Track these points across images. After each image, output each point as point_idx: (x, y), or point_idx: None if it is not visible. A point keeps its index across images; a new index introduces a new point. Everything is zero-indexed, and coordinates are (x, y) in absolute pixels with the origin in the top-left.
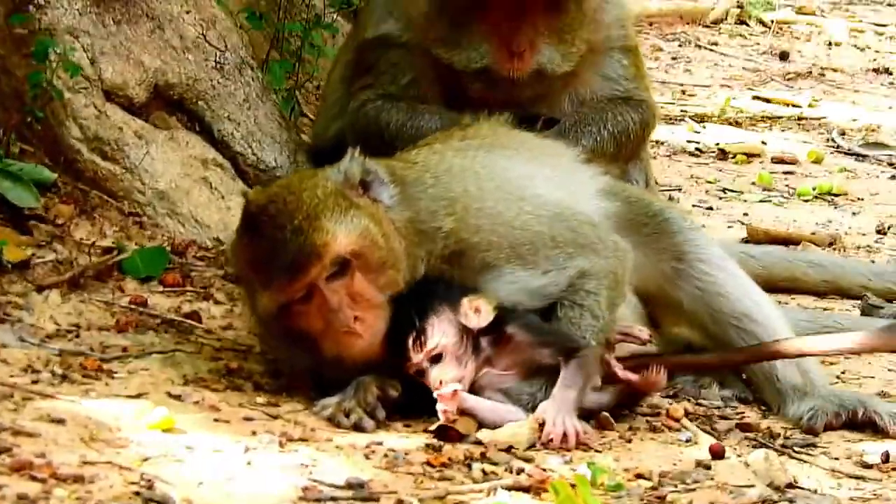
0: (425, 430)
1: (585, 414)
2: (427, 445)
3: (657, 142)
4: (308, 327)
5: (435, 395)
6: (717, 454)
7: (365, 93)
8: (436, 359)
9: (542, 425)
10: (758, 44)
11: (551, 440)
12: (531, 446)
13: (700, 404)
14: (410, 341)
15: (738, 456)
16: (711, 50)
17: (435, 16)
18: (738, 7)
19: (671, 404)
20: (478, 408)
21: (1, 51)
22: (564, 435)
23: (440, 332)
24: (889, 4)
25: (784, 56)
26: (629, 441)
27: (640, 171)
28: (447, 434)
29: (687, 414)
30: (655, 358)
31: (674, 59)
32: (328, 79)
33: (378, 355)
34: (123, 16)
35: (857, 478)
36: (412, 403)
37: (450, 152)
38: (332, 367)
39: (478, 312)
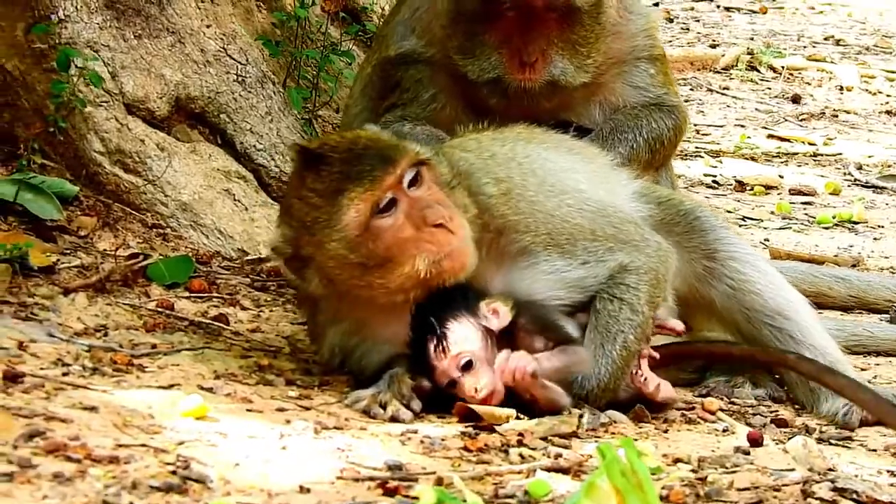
0: (459, 420)
1: (616, 406)
2: (463, 433)
3: (676, 175)
4: (397, 238)
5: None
6: (756, 442)
7: (389, 114)
8: (466, 367)
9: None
10: (769, 88)
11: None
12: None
13: (733, 403)
14: (432, 348)
15: (777, 444)
16: (723, 94)
17: (452, 27)
18: (749, 54)
19: (705, 399)
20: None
21: (21, 66)
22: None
23: (462, 337)
24: None
25: (796, 99)
26: (665, 431)
27: (666, 177)
28: (474, 420)
29: (722, 411)
30: (687, 345)
31: (686, 101)
32: (351, 93)
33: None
34: (144, 30)
35: None
36: (443, 401)
37: (487, 142)
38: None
39: (496, 314)
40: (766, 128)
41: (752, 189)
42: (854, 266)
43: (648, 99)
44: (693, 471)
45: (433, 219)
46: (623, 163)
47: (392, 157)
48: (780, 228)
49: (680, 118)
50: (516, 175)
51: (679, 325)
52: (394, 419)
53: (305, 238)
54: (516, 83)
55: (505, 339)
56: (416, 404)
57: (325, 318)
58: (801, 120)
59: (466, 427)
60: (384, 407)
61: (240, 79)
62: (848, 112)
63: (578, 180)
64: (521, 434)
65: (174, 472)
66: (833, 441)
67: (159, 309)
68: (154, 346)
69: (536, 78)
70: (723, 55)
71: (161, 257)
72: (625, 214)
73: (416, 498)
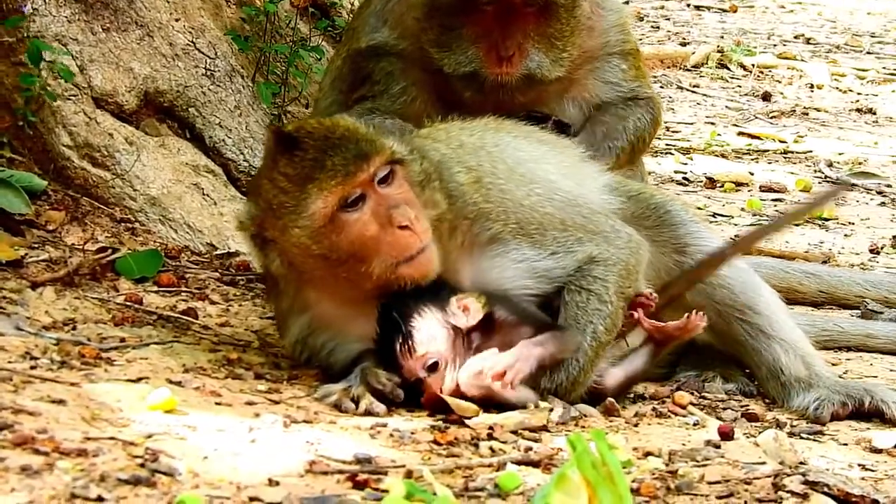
0: (428, 413)
1: (606, 393)
2: (432, 427)
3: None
4: (361, 234)
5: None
6: (726, 435)
7: (359, 106)
8: (432, 368)
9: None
10: (739, 86)
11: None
12: (542, 428)
13: (704, 397)
14: (398, 347)
15: (748, 437)
16: (693, 91)
17: (427, 20)
18: (719, 52)
19: (676, 393)
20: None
21: None
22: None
23: (429, 337)
24: (868, 52)
25: (767, 97)
26: (636, 425)
27: (637, 172)
28: (443, 412)
29: (692, 405)
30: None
31: None
32: (320, 87)
33: (430, 277)
34: (112, 23)
35: (868, 460)
36: (412, 396)
37: (456, 132)
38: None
39: (466, 311)
40: (736, 125)
41: (722, 186)
42: (825, 262)
43: (622, 93)
44: (664, 464)
45: (399, 220)
46: (609, 165)
47: (367, 153)
48: (750, 225)
49: (656, 111)
50: (486, 163)
51: (652, 297)
52: (368, 413)
53: (271, 220)
54: (493, 77)
55: (487, 333)
56: (398, 392)
57: (287, 306)
58: (771, 117)
59: (436, 420)
60: (356, 401)
61: (209, 73)
62: (818, 110)
63: (548, 170)
64: (490, 428)
65: (143, 465)
66: (804, 435)
67: (128, 303)
68: (122, 340)
69: (513, 72)
70: (693, 53)
71: (129, 251)
72: (595, 205)
73: (385, 491)
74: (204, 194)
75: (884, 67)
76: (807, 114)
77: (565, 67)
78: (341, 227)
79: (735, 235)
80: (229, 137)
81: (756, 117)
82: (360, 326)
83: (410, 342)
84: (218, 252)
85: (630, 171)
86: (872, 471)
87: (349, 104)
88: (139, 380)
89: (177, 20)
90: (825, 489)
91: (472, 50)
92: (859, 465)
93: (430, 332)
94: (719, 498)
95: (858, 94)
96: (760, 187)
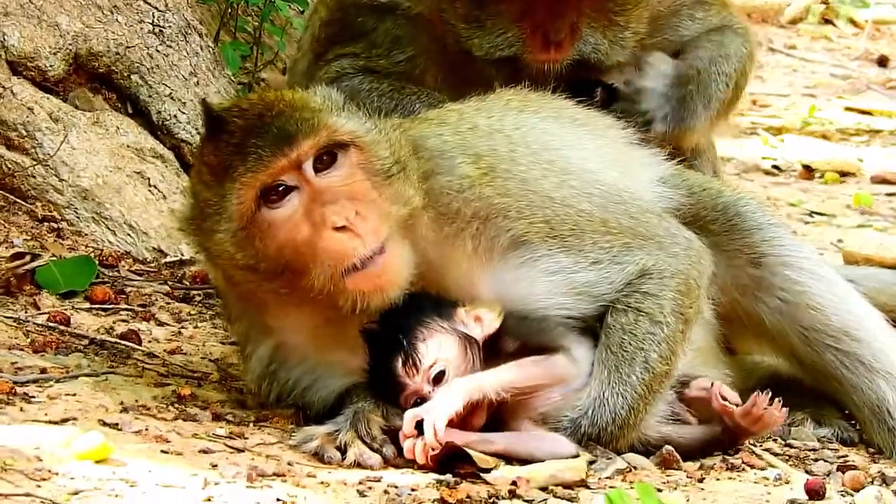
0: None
1: (652, 447)
2: (439, 481)
3: (722, 158)
4: (291, 238)
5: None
6: (816, 493)
7: (341, 62)
8: (437, 379)
9: None
10: (848, 47)
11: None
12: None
13: (790, 445)
14: (400, 364)
15: (843, 496)
16: (788, 55)
17: None
18: (823, 2)
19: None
20: (503, 444)
21: None
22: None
23: (436, 343)
24: None
25: (884, 62)
26: (700, 480)
27: (707, 161)
28: (456, 470)
29: (774, 455)
30: None
31: None
32: (299, 46)
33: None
34: None
35: None
36: None
37: (470, 111)
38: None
39: (479, 321)
40: (842, 98)
41: (822, 176)
42: None
43: (708, 25)
44: None
45: (332, 220)
46: (710, 111)
47: (291, 133)
48: (858, 226)
49: (751, 44)
50: (502, 148)
51: (734, 396)
52: (357, 465)
53: (198, 222)
54: (537, 64)
55: (492, 361)
56: (390, 450)
57: (243, 332)
58: (889, 88)
59: (444, 473)
60: (343, 450)
61: (157, 29)
62: None
63: (585, 158)
64: (514, 483)
65: None
66: None
67: (51, 324)
68: (44, 371)
69: (562, 58)
70: (789, 4)
71: (54, 258)
72: (645, 203)
73: None
74: (150, 185)
75: None
76: None
77: (627, 49)
78: (265, 229)
79: (838, 240)
80: (183, 112)
81: (869, 88)
82: (345, 355)
83: (415, 355)
84: (167, 259)
85: (703, 157)
86: None
87: (329, 57)
88: (64, 421)
89: None
90: None
91: (513, 32)
92: None
93: (436, 339)
94: None
95: None
96: (872, 178)
